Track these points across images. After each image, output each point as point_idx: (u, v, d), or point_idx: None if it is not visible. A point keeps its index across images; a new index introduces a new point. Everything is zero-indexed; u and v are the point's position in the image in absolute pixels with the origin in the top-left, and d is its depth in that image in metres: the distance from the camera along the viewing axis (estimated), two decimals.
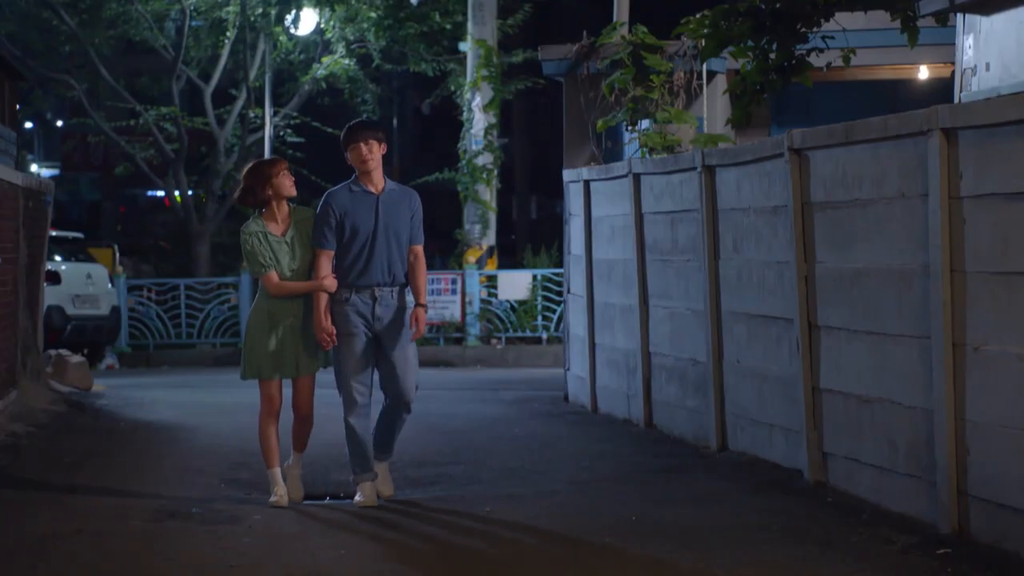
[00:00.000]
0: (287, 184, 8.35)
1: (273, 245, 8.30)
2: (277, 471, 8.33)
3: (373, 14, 24.46)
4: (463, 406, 13.32)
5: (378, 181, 8.31)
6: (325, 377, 8.53)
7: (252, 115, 26.49)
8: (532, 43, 23.91)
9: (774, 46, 10.80)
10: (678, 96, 14.83)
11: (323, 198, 8.35)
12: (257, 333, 8.29)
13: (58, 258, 20.84)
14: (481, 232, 22.71)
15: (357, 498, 8.27)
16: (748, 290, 9.36)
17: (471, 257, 22.49)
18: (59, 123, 40.03)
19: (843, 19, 11.53)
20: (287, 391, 8.42)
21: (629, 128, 13.00)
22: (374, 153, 8.27)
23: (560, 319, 20.55)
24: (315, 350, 8.31)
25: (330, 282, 8.21)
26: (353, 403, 8.26)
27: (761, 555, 6.81)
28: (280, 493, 8.23)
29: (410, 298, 8.38)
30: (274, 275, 8.27)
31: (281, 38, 25.20)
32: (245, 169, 8.48)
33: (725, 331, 9.75)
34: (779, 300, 8.86)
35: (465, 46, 23.30)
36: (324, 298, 8.19)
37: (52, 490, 8.80)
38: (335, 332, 8.18)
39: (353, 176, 8.35)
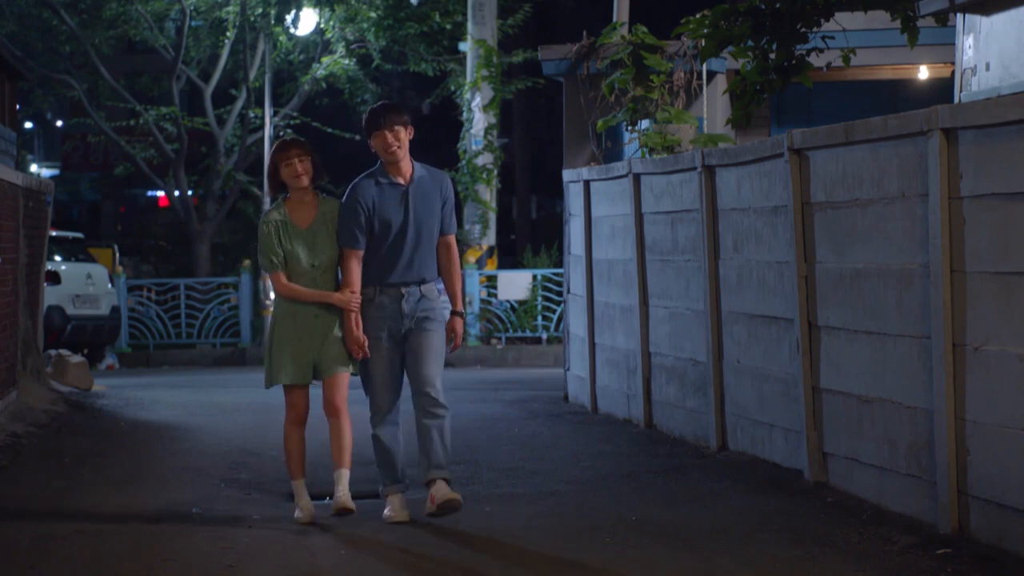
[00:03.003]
0: (291, 176, 7.58)
1: (292, 238, 7.59)
2: (301, 483, 7.71)
3: (373, 14, 24.47)
4: (463, 406, 13.31)
5: (406, 170, 7.60)
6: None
7: (252, 115, 26.51)
8: (532, 43, 23.95)
9: (774, 46, 10.80)
10: (678, 96, 14.84)
11: (348, 191, 7.64)
12: (278, 335, 7.65)
13: (58, 258, 20.85)
14: (481, 232, 22.71)
15: (386, 512, 7.65)
16: (748, 290, 9.36)
17: (471, 257, 22.49)
18: (59, 123, 40.06)
19: (843, 19, 11.53)
20: (313, 398, 7.81)
21: (629, 128, 12.99)
22: (401, 140, 7.54)
23: (560, 319, 20.56)
24: (347, 350, 7.65)
25: (346, 297, 7.54)
26: (379, 411, 7.67)
27: (761, 555, 6.81)
28: (304, 508, 7.63)
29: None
30: (282, 276, 7.59)
31: (281, 38, 25.22)
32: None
33: (725, 331, 9.75)
34: (779, 300, 8.86)
35: (465, 46, 23.31)
36: (357, 293, 7.57)
37: (52, 490, 8.79)
38: (366, 341, 7.57)
39: (378, 163, 7.66)
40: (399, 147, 7.55)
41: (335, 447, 7.66)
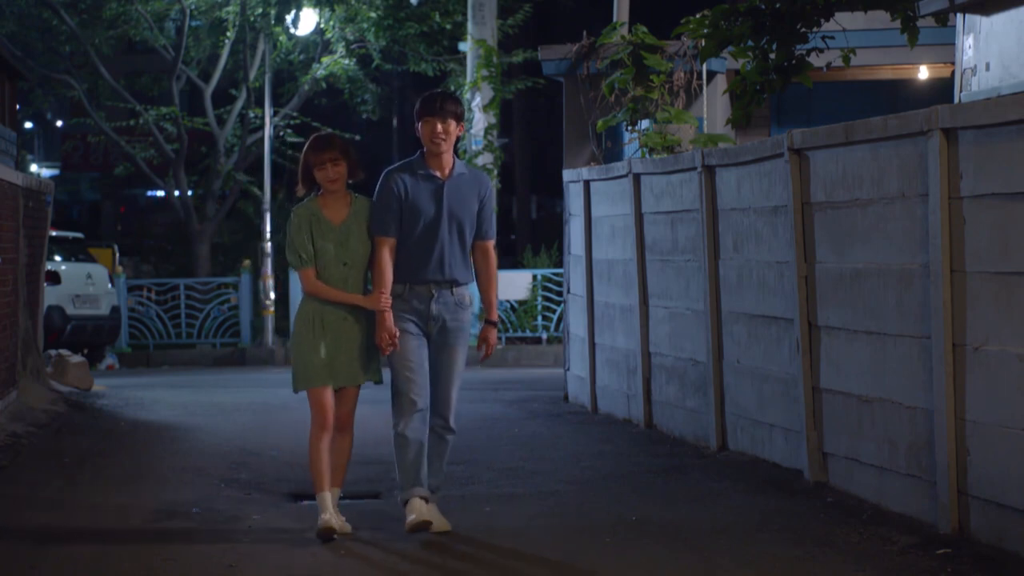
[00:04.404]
0: (325, 180, 7.28)
1: (326, 234, 7.26)
2: (327, 495, 7.30)
3: (373, 14, 24.47)
4: (463, 406, 13.17)
5: (446, 164, 7.30)
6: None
7: (252, 115, 26.51)
8: (532, 43, 23.95)
9: (774, 46, 10.80)
10: (678, 96, 14.83)
11: (382, 178, 7.32)
12: (305, 337, 7.28)
13: (58, 258, 20.85)
14: None
15: (409, 519, 7.22)
16: (748, 290, 9.36)
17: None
18: (59, 123, 40.06)
19: (843, 19, 11.53)
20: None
21: (629, 128, 12.99)
22: (450, 133, 7.25)
23: (560, 319, 20.55)
24: (369, 358, 7.36)
25: (375, 300, 7.20)
26: (404, 409, 7.27)
27: (761, 555, 6.81)
28: (327, 519, 7.24)
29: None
30: (311, 272, 7.26)
31: (281, 38, 25.22)
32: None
33: (725, 331, 9.75)
34: (779, 300, 8.86)
35: (465, 46, 23.30)
36: (388, 294, 7.24)
37: (52, 490, 8.79)
38: (397, 333, 7.21)
39: (418, 153, 7.39)
40: (445, 139, 7.26)
41: (333, 463, 7.39)
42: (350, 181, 7.41)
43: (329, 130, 26.20)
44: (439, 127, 7.24)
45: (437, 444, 7.46)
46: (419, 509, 7.23)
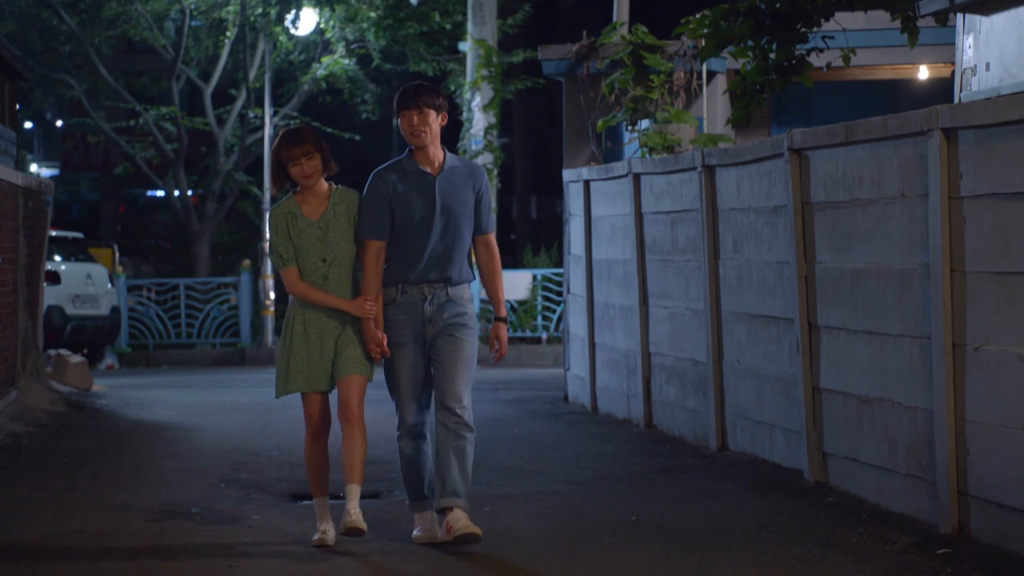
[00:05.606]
0: (300, 176, 7.03)
1: (303, 231, 7.02)
2: (324, 501, 7.14)
3: (373, 14, 24.48)
4: None
5: (435, 157, 7.01)
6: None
7: (252, 115, 26.52)
8: (532, 43, 23.95)
9: (774, 46, 10.81)
10: (678, 96, 14.85)
11: (370, 178, 7.05)
12: (290, 340, 7.06)
13: (58, 258, 20.86)
14: None
15: (415, 532, 7.16)
16: (748, 290, 9.36)
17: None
18: (59, 123, 40.07)
19: (843, 19, 11.54)
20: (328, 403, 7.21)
21: (629, 128, 13.00)
22: (429, 124, 6.94)
23: (560, 319, 20.56)
24: (359, 351, 7.04)
25: (360, 305, 6.97)
26: (403, 422, 7.09)
27: (761, 555, 6.81)
28: (324, 530, 7.06)
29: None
30: (294, 272, 7.03)
31: (281, 38, 25.22)
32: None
33: (725, 331, 9.75)
34: (779, 300, 8.86)
35: (465, 46, 23.31)
36: (373, 300, 7.00)
37: (52, 490, 8.79)
38: (386, 341, 7.00)
39: (406, 151, 7.12)
40: (425, 131, 6.95)
41: (346, 459, 7.02)
42: (325, 175, 7.16)
43: (329, 129, 26.47)
44: (416, 119, 6.95)
45: (453, 443, 6.94)
46: (427, 524, 7.15)
